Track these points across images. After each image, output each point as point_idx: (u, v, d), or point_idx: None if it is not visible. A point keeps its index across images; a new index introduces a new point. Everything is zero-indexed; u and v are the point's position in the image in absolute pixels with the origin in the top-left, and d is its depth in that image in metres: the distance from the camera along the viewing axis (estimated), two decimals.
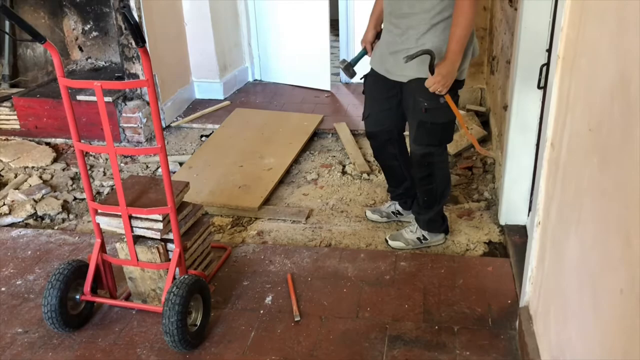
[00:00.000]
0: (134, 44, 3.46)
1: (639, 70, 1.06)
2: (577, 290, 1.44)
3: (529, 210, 2.60)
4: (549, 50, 2.22)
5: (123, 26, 3.60)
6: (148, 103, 3.81)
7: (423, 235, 2.64)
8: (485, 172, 3.29)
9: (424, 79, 2.26)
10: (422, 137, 2.42)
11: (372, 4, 4.42)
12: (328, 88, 4.66)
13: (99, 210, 2.16)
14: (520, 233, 2.62)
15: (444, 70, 2.21)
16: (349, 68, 2.63)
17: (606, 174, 1.25)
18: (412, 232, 2.67)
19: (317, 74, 4.65)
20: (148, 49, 1.79)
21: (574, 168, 1.52)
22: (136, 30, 1.68)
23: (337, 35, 4.85)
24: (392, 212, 2.86)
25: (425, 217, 2.61)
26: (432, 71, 2.22)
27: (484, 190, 3.12)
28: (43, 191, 3.24)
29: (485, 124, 3.75)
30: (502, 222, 2.75)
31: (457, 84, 2.33)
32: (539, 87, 2.37)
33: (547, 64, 2.22)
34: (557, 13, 1.71)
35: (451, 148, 3.45)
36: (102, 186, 3.34)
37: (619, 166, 1.17)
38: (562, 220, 1.63)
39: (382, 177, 3.30)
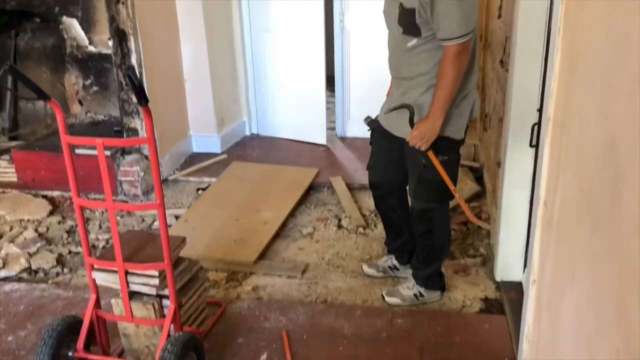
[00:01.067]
0: (135, 101, 3.53)
1: (625, 137, 1.10)
2: (573, 352, 1.43)
3: (525, 266, 2.60)
4: (540, 110, 2.28)
5: (124, 82, 3.68)
6: (146, 157, 3.85)
7: (420, 292, 2.63)
8: (480, 228, 3.31)
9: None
10: (421, 192, 2.46)
11: (367, 61, 4.59)
12: (324, 142, 4.73)
13: (95, 266, 2.16)
14: (516, 289, 2.62)
15: (422, 126, 2.26)
16: (372, 122, 2.66)
17: (598, 235, 1.28)
18: (409, 288, 2.66)
19: (314, 129, 4.73)
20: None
21: (567, 228, 1.54)
22: (140, 91, 1.73)
23: (333, 90, 4.96)
24: (389, 267, 2.86)
25: (424, 274, 2.61)
26: (411, 125, 2.28)
27: (479, 245, 3.13)
28: (38, 244, 3.23)
29: (479, 179, 3.80)
30: (498, 278, 2.75)
31: (456, 143, 2.38)
32: (531, 146, 2.42)
33: (539, 124, 2.28)
34: (547, 76, 1.78)
35: None
36: (98, 239, 3.33)
37: (611, 229, 1.19)
38: (556, 279, 1.64)
39: (377, 231, 3.31)
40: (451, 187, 2.43)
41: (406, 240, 2.77)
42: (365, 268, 2.91)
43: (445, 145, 2.35)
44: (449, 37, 2.16)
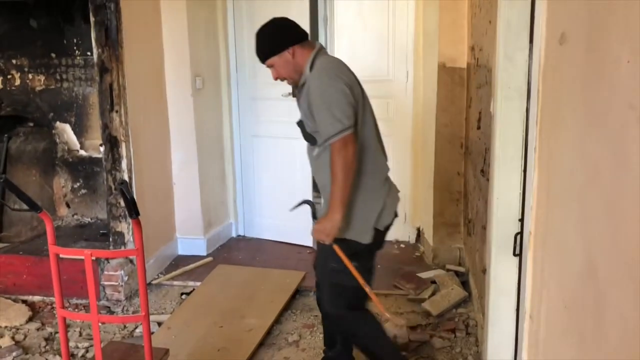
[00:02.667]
0: (124, 204, 3.56)
1: (603, 260, 1.14)
2: None
3: None
4: (522, 220, 2.34)
5: (113, 187, 3.73)
6: (131, 261, 3.82)
7: None
8: (468, 335, 3.27)
9: (335, 241, 2.35)
10: (332, 298, 2.48)
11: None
12: (310, 244, 4.74)
13: None
14: None
15: (324, 220, 2.30)
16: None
17: (584, 355, 1.28)
18: None
19: (300, 230, 4.75)
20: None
21: (554, 344, 1.55)
22: (131, 205, 1.76)
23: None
24: None
25: None
26: (314, 220, 2.35)
27: (467, 354, 3.08)
28: (14, 353, 3.12)
29: (465, 283, 3.80)
30: None
31: (365, 248, 2.40)
32: (514, 255, 2.45)
33: (521, 233, 2.33)
34: (526, 191, 1.85)
35: (433, 309, 3.47)
36: (78, 348, 3.23)
37: (596, 349, 1.21)
38: None
39: None
40: (360, 280, 2.36)
41: (338, 353, 2.73)
42: None
43: (353, 250, 2.36)
44: (327, 138, 2.26)
